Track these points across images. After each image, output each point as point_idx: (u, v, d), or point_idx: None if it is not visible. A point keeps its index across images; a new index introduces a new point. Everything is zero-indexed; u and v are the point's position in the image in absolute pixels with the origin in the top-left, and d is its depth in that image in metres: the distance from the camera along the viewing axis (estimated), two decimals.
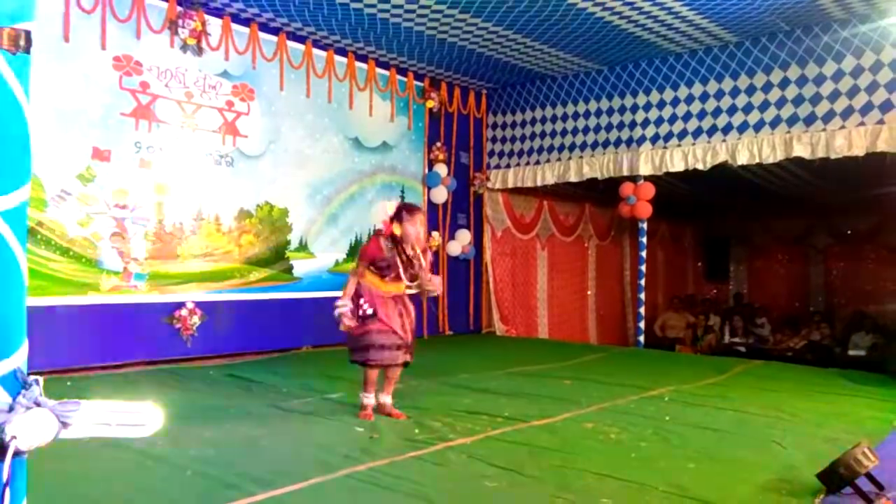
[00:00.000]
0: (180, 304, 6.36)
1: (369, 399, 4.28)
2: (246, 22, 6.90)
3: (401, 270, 4.20)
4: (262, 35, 7.03)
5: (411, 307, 4.38)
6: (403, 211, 4.26)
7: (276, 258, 7.25)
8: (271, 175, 7.19)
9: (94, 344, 5.88)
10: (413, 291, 4.38)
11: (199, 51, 6.53)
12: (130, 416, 1.14)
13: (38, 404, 1.09)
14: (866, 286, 12.68)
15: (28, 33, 1.14)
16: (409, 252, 4.23)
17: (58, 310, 5.66)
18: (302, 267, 7.47)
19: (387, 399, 4.35)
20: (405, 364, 4.34)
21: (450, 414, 4.36)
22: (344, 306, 4.18)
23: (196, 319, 6.40)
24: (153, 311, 6.27)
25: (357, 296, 4.22)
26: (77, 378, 5.43)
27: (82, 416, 1.11)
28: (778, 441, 3.79)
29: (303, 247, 7.50)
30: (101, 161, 5.93)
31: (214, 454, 3.38)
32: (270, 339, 7.10)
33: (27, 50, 1.14)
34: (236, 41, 6.81)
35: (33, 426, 1.07)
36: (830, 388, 5.61)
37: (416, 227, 4.21)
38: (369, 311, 4.17)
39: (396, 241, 4.21)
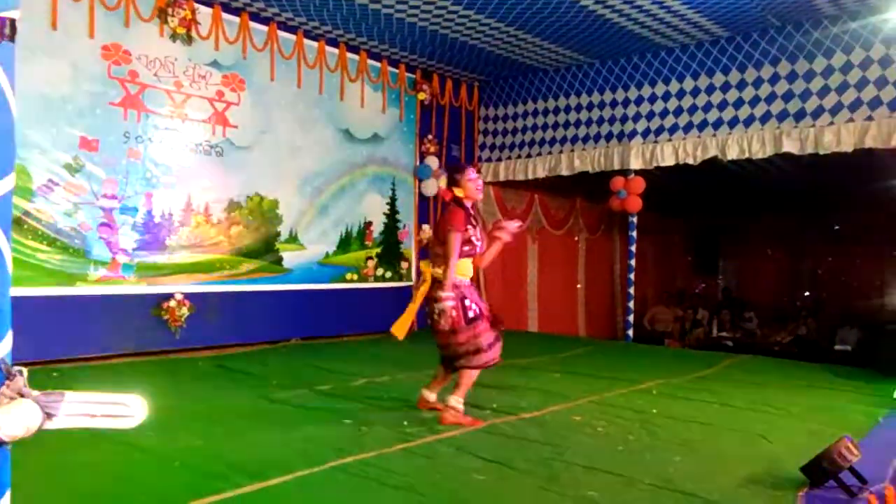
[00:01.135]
0: (169, 296, 6.33)
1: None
2: (236, 11, 6.84)
3: (476, 232, 4.02)
4: (253, 25, 6.97)
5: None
6: (455, 173, 4.07)
7: (265, 249, 7.22)
8: (261, 166, 7.15)
9: (81, 335, 5.85)
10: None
11: (188, 40, 6.47)
12: (115, 408, 1.14)
13: (21, 395, 1.08)
14: (853, 282, 12.79)
15: (13, 21, 1.13)
16: (473, 211, 4.07)
17: (45, 300, 5.62)
18: (292, 258, 7.45)
19: (432, 396, 4.24)
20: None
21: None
22: (449, 300, 3.81)
23: (185, 311, 6.37)
24: (141, 302, 6.23)
25: (461, 298, 3.91)
26: (64, 369, 5.40)
27: (66, 408, 1.10)
28: (763, 435, 3.82)
29: (293, 238, 7.47)
30: (88, 151, 5.88)
31: (203, 446, 3.38)
32: (260, 331, 7.09)
33: (12, 38, 1.13)
34: (226, 31, 6.76)
35: (16, 417, 1.06)
36: (816, 383, 5.66)
37: (476, 182, 4.05)
38: (477, 311, 3.95)
39: (462, 205, 4.01)
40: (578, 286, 11.46)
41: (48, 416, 1.08)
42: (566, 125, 8.69)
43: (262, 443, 3.48)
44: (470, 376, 4.01)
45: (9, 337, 1.16)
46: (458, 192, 4.05)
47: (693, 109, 7.55)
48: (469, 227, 3.98)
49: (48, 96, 5.63)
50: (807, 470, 2.93)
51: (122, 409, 1.14)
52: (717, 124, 7.35)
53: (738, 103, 7.20)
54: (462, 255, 3.95)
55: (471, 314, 3.92)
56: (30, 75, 5.50)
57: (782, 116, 6.89)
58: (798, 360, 7.54)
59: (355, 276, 8.09)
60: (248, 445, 3.42)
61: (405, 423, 3.92)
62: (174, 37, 6.38)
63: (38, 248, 5.60)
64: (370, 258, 8.26)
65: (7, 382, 1.09)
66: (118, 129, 6.07)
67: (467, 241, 3.97)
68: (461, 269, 3.98)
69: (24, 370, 1.13)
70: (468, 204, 4.08)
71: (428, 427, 3.82)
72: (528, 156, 9.05)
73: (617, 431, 3.86)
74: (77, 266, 5.83)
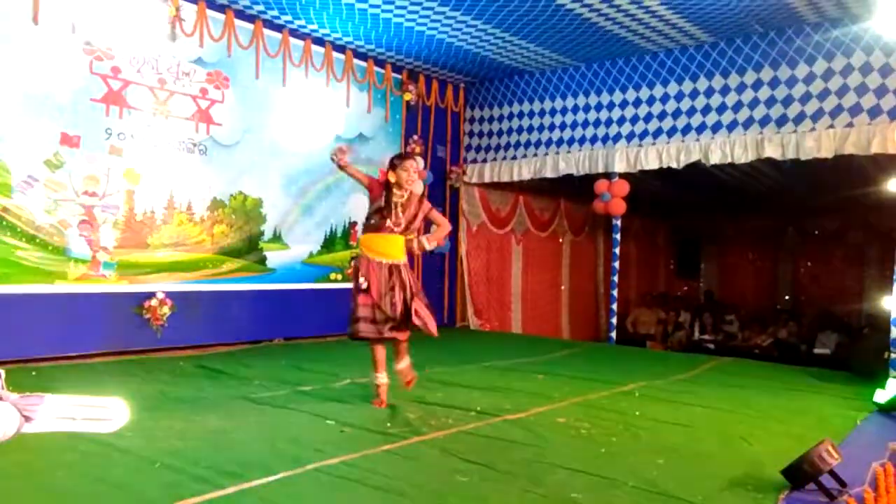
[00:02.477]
0: (150, 294, 6.26)
1: (380, 378, 4.42)
2: (221, 8, 6.78)
3: (392, 213, 4.38)
4: (238, 22, 6.92)
5: (409, 281, 4.41)
6: (394, 159, 4.47)
7: (249, 249, 7.17)
8: (245, 164, 7.10)
9: (61, 334, 5.76)
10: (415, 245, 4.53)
11: (173, 36, 6.41)
12: (96, 411, 1.12)
13: None
14: (833, 285, 12.95)
15: None
16: (400, 199, 4.42)
17: (23, 298, 5.54)
18: (275, 258, 7.40)
19: (401, 365, 4.52)
20: (398, 339, 4.43)
21: (423, 407, 4.37)
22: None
23: (166, 310, 6.30)
24: (122, 300, 6.16)
25: (356, 269, 4.42)
26: (43, 368, 5.32)
27: (46, 411, 1.08)
28: (744, 437, 3.86)
29: (277, 238, 7.42)
30: (69, 147, 5.80)
31: (183, 447, 3.34)
32: (242, 331, 7.03)
33: None
34: (211, 28, 6.70)
35: None
36: (796, 386, 5.72)
37: (408, 173, 4.39)
38: (364, 286, 4.29)
39: (389, 187, 4.41)
40: (562, 288, 11.49)
41: (26, 419, 1.06)
42: (551, 128, 8.71)
43: (243, 444, 3.45)
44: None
45: None
46: (391, 177, 4.41)
47: (677, 114, 7.60)
48: (383, 202, 4.40)
49: (29, 91, 5.55)
50: (787, 473, 2.95)
51: (103, 412, 1.12)
52: (701, 129, 7.41)
53: (722, 108, 7.26)
54: (369, 227, 4.45)
55: (356, 285, 4.36)
56: (10, 70, 5.42)
57: (764, 122, 6.96)
58: (778, 362, 7.61)
59: (339, 277, 8.05)
60: (229, 446, 3.39)
61: (388, 424, 3.91)
62: None
63: (17, 245, 5.51)
64: (354, 258, 8.21)
65: None
66: (100, 125, 5.99)
67: (378, 210, 4.41)
68: (378, 248, 4.39)
69: (2, 372, 1.10)
70: (400, 191, 4.42)
71: (412, 428, 3.81)
72: (514, 157, 9.07)
73: (600, 433, 3.87)
74: (56, 264, 5.75)
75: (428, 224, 4.75)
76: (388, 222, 4.38)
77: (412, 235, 4.51)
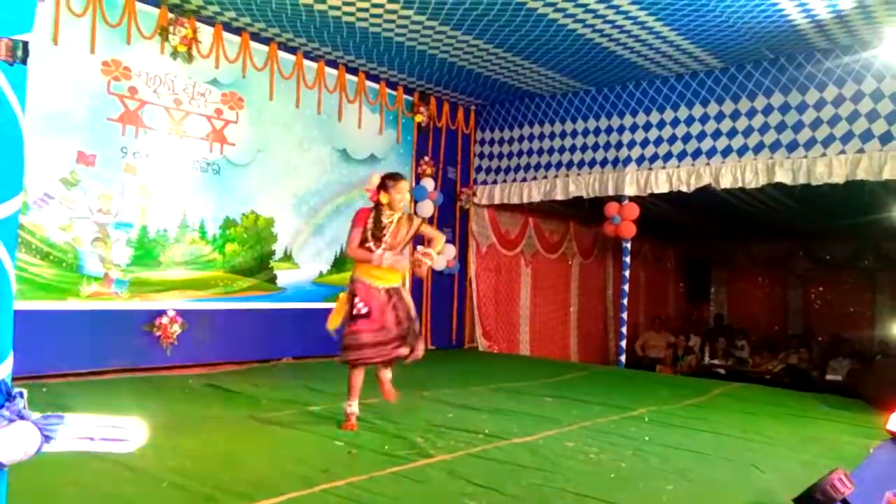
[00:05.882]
0: (161, 312, 6.30)
1: (352, 408, 4.34)
2: (237, 31, 6.90)
3: (384, 236, 4.32)
4: (254, 44, 7.03)
5: (406, 297, 4.44)
6: (387, 180, 4.39)
7: (260, 268, 7.21)
8: (258, 184, 7.17)
9: (72, 350, 5.79)
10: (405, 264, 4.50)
11: (189, 58, 6.51)
12: (114, 431, 1.13)
13: (21, 417, 1.08)
14: (844, 311, 12.85)
15: (26, 44, 1.14)
16: (391, 220, 4.37)
17: (35, 315, 5.58)
18: (286, 277, 7.44)
19: (387, 374, 4.50)
20: (402, 357, 4.41)
21: (430, 430, 4.35)
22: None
23: (177, 328, 6.33)
24: (133, 318, 6.20)
25: (352, 294, 4.34)
26: (53, 384, 5.34)
27: (66, 431, 1.09)
28: (755, 464, 3.81)
29: (287, 257, 7.47)
30: (85, 165, 5.88)
31: (191, 466, 3.34)
32: (252, 350, 7.05)
33: (24, 61, 1.14)
34: (227, 50, 6.81)
35: (15, 439, 1.06)
36: (808, 413, 5.66)
37: (402, 195, 4.37)
38: (364, 311, 4.25)
39: (378, 209, 4.39)
40: (571, 310, 11.46)
41: (47, 438, 1.07)
42: (562, 150, 8.75)
43: (251, 463, 3.45)
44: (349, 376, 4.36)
45: (10, 358, 1.15)
46: (383, 199, 4.37)
47: (687, 138, 7.63)
48: (372, 225, 4.34)
49: (47, 110, 5.64)
50: (800, 501, 2.92)
51: (121, 432, 1.13)
52: (711, 153, 7.42)
53: (732, 133, 7.28)
54: (376, 256, 4.30)
55: (354, 311, 4.27)
56: (29, 89, 5.49)
57: (775, 147, 6.97)
58: (789, 389, 7.54)
59: None
60: (237, 466, 3.39)
61: (396, 446, 3.89)
62: (175, 54, 6.42)
63: (31, 261, 5.57)
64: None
65: (7, 404, 1.09)
66: (116, 144, 6.08)
67: (366, 238, 4.33)
68: (360, 270, 4.35)
69: (25, 392, 1.12)
70: (391, 211, 4.39)
71: (419, 451, 3.80)
72: (524, 179, 9.11)
73: (609, 458, 3.84)
74: (69, 281, 5.80)
75: (416, 242, 4.72)
76: (380, 252, 4.31)
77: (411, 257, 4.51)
